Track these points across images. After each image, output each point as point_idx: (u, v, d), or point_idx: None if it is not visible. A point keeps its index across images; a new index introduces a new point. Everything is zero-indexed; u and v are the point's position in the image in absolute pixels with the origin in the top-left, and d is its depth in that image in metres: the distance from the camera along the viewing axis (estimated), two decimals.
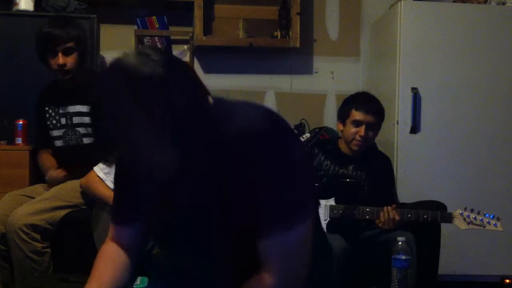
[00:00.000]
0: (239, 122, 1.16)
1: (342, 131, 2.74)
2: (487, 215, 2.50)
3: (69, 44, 2.58)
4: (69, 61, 2.59)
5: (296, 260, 1.21)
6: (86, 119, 2.68)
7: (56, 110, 2.73)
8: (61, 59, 2.56)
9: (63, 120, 2.72)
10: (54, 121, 2.74)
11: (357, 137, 2.65)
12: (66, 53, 2.58)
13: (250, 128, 1.15)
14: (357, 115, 2.66)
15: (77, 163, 2.66)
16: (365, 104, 2.68)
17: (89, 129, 2.69)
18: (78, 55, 2.62)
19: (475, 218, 2.50)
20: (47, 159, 2.79)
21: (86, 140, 2.70)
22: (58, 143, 2.74)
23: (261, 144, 1.15)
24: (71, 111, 2.70)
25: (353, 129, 2.66)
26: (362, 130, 2.64)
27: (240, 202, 1.18)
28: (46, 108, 2.76)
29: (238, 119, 1.17)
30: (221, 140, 1.16)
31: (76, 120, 2.70)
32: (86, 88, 2.64)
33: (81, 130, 2.69)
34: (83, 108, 2.67)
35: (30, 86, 3.14)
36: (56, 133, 2.74)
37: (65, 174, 2.69)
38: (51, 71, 2.65)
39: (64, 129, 2.72)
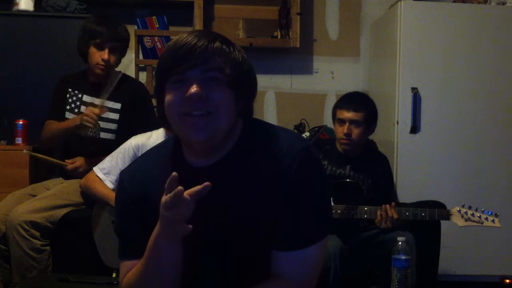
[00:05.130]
0: (291, 142, 1.26)
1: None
2: (485, 211, 2.50)
3: (117, 44, 2.68)
4: (113, 59, 2.68)
5: (316, 269, 1.29)
6: (112, 115, 2.73)
7: (80, 96, 2.78)
8: (107, 55, 2.65)
9: (83, 108, 2.75)
10: (73, 105, 2.79)
11: (342, 135, 2.67)
12: (112, 51, 2.67)
13: (302, 150, 1.25)
14: (340, 113, 2.71)
15: (89, 153, 2.72)
16: (347, 102, 2.73)
17: (111, 125, 2.73)
18: (121, 56, 2.74)
19: (472, 215, 2.50)
20: (53, 124, 2.77)
21: (103, 135, 2.74)
22: None
23: (309, 166, 1.24)
24: (96, 103, 2.73)
25: (339, 128, 2.70)
26: (345, 127, 2.66)
27: (276, 217, 1.23)
28: (70, 90, 2.80)
29: (290, 140, 1.27)
30: (271, 159, 1.24)
31: None
32: (118, 88, 2.71)
33: (101, 124, 2.72)
34: (112, 105, 2.72)
35: (30, 86, 3.15)
36: (70, 115, 2.78)
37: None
38: (90, 65, 2.71)
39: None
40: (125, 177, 1.36)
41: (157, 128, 2.56)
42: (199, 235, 1.19)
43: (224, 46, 1.23)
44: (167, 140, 1.40)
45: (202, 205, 1.15)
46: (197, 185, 1.13)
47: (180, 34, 1.24)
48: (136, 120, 2.75)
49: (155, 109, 1.33)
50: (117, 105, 2.75)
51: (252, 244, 1.26)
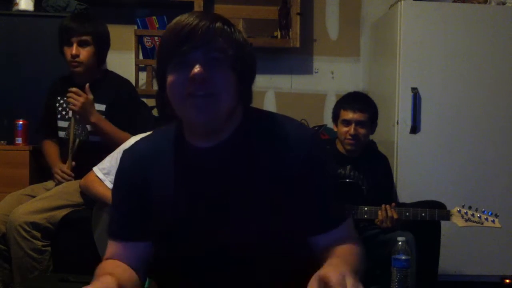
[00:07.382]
0: (300, 128, 1.32)
1: (336, 132, 2.77)
2: (485, 212, 2.50)
3: (85, 37, 2.64)
4: (83, 53, 2.64)
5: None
6: None
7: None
8: (74, 50, 2.62)
9: (71, 113, 2.73)
10: (63, 112, 2.77)
11: (348, 136, 2.68)
12: (81, 45, 2.64)
13: (313, 135, 1.31)
14: (345, 114, 2.71)
15: (80, 157, 2.69)
16: (352, 103, 2.73)
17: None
18: (95, 51, 2.68)
19: (473, 215, 2.50)
20: (50, 150, 2.80)
21: (92, 138, 2.72)
22: (61, 134, 2.77)
23: (321, 150, 1.30)
24: None
25: (344, 129, 2.71)
26: (351, 128, 2.68)
27: (295, 206, 1.25)
28: (58, 98, 2.78)
29: (298, 126, 1.32)
30: (277, 146, 1.25)
31: None
32: (103, 88, 2.69)
33: (89, 127, 2.70)
34: (98, 107, 2.69)
35: (30, 86, 3.15)
36: (61, 123, 2.77)
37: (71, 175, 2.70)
38: (67, 65, 2.69)
39: (70, 122, 2.73)
40: (126, 158, 1.36)
41: (144, 128, 2.54)
42: (200, 219, 1.21)
43: (225, 27, 1.21)
44: (169, 125, 1.38)
45: (203, 187, 1.15)
46: (198, 166, 1.15)
47: (180, 16, 1.22)
48: (124, 121, 2.69)
49: (156, 96, 1.31)
50: (102, 107, 2.70)
51: (252, 227, 1.24)
